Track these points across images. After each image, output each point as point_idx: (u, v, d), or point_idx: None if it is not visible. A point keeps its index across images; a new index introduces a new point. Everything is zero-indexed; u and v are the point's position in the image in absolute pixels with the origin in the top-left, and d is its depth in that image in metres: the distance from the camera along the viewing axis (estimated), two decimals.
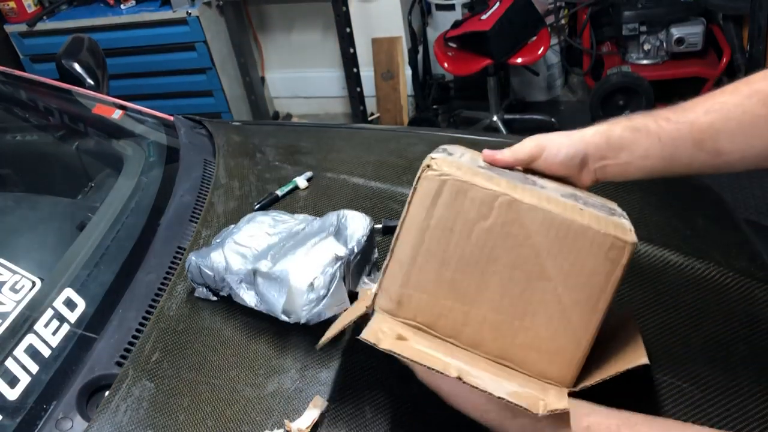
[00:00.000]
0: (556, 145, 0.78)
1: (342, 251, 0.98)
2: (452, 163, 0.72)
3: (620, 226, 0.71)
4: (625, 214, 0.77)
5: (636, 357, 0.72)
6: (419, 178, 0.72)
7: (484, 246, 0.71)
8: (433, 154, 0.75)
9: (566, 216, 0.69)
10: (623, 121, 0.77)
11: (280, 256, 0.98)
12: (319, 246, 0.99)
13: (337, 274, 0.94)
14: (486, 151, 0.80)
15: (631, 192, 1.25)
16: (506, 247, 0.70)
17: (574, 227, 0.69)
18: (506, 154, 0.79)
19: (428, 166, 0.71)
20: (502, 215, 0.70)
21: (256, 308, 0.98)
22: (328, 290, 0.93)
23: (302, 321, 0.93)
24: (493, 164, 0.79)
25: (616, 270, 0.69)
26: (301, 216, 1.12)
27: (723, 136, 0.74)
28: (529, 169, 0.80)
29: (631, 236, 0.69)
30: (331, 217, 1.07)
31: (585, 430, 0.66)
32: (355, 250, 1.00)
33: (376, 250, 1.09)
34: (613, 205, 0.79)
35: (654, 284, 1.00)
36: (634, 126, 0.76)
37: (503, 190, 0.70)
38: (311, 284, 0.93)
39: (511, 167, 0.79)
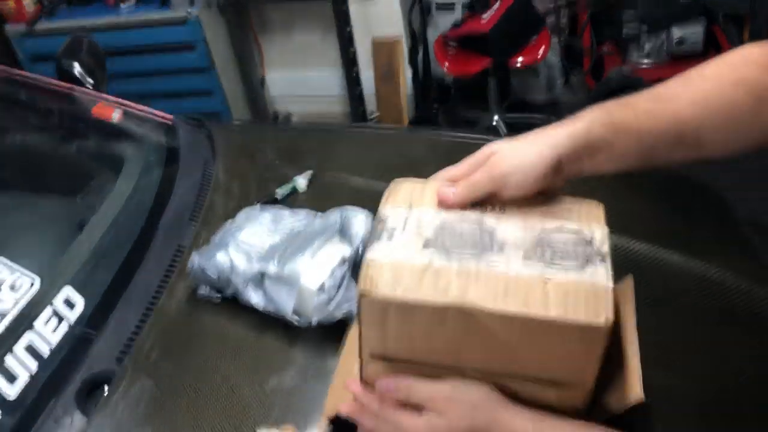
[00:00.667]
0: (521, 164, 0.67)
1: (348, 251, 0.99)
2: (390, 271, 0.64)
3: (593, 296, 0.61)
4: (605, 242, 0.67)
5: (628, 393, 0.64)
6: (359, 301, 0.65)
7: (450, 345, 0.65)
8: (369, 248, 0.66)
9: (528, 313, 0.60)
10: (602, 117, 0.69)
11: (288, 257, 0.98)
12: (326, 246, 1.01)
13: (347, 274, 0.95)
14: (439, 193, 0.71)
15: (630, 191, 1.25)
16: (473, 343, 0.64)
17: (538, 323, 0.60)
18: (460, 196, 0.70)
19: (362, 292, 0.63)
20: (459, 323, 0.62)
21: (263, 310, 0.98)
22: (338, 291, 0.94)
23: (314, 323, 0.93)
24: (448, 208, 0.70)
25: (595, 349, 0.62)
26: (302, 212, 1.12)
27: (706, 129, 0.69)
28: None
29: (605, 314, 0.59)
30: (334, 215, 1.07)
31: None
32: (360, 249, 1.01)
33: None
34: (592, 229, 0.69)
35: (653, 284, 1.00)
36: (613, 123, 0.68)
37: (452, 298, 0.61)
38: (322, 286, 0.93)
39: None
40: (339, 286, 0.94)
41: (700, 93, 0.71)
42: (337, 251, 1.00)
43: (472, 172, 0.70)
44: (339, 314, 0.94)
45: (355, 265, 0.98)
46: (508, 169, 0.68)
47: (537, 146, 0.68)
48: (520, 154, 0.68)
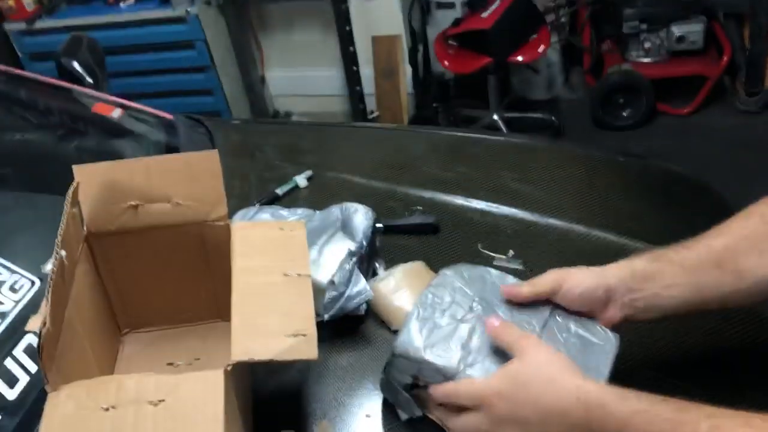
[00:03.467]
0: (576, 279, 0.78)
1: (353, 246, 0.99)
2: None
3: None
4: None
5: None
6: None
7: None
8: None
9: None
10: (644, 255, 0.78)
11: None
12: (331, 242, 1.01)
13: (355, 268, 0.96)
14: (505, 289, 0.81)
15: (630, 191, 1.25)
16: None
17: None
18: (525, 291, 0.80)
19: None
20: None
21: None
22: (348, 286, 0.94)
23: (326, 318, 0.93)
24: (512, 300, 0.80)
25: None
26: (300, 210, 1.12)
27: (740, 256, 0.75)
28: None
29: None
30: (335, 211, 1.07)
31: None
32: (364, 244, 1.01)
33: (378, 240, 1.10)
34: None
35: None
36: (654, 257, 0.77)
37: None
38: (332, 281, 0.93)
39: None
40: (348, 281, 0.95)
41: (725, 227, 0.78)
42: (342, 246, 1.00)
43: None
44: (350, 308, 0.95)
45: (360, 259, 0.99)
46: (565, 276, 0.79)
47: (591, 271, 0.79)
48: (576, 270, 0.79)
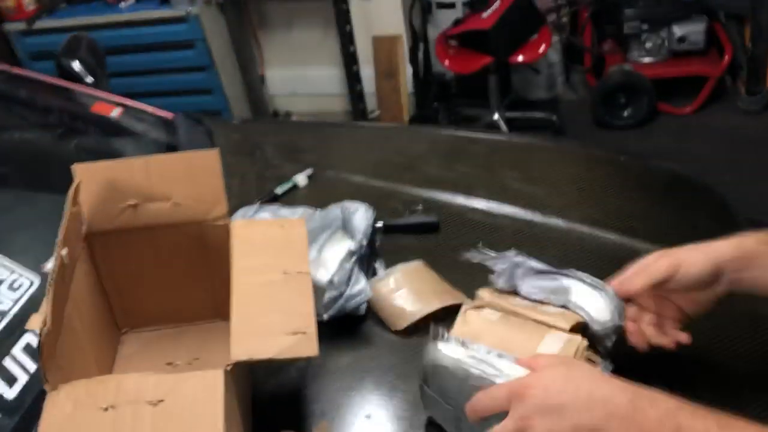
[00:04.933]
0: (691, 261, 0.77)
1: (353, 245, 0.99)
2: None
3: None
4: None
5: None
6: None
7: None
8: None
9: None
10: (754, 235, 0.78)
11: None
12: (331, 241, 1.01)
13: (354, 268, 0.95)
14: (617, 288, 0.79)
15: (630, 191, 1.24)
16: None
17: None
18: (639, 284, 0.78)
19: None
20: None
21: None
22: (348, 285, 0.94)
23: (325, 318, 0.93)
24: (626, 295, 0.79)
25: None
26: (300, 210, 1.12)
27: None
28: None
29: None
30: (334, 210, 1.07)
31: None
32: (364, 243, 1.01)
33: (378, 239, 1.10)
34: None
35: None
36: (764, 239, 0.77)
37: None
38: (331, 281, 0.93)
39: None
40: (348, 280, 0.94)
41: None
42: (342, 245, 1.00)
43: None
44: (350, 308, 0.95)
45: (360, 259, 0.98)
46: (681, 259, 0.77)
47: (704, 252, 0.77)
48: (688, 252, 0.78)
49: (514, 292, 0.85)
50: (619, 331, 0.79)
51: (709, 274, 0.76)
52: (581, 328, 0.78)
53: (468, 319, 0.83)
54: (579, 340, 0.77)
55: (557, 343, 0.77)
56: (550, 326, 0.78)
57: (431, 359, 0.76)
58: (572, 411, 0.63)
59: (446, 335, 0.77)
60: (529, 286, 0.83)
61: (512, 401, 0.66)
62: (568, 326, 0.78)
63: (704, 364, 0.88)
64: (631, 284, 0.78)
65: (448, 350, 0.75)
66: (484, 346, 0.75)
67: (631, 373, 0.74)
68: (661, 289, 0.78)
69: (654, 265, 0.77)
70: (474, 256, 0.89)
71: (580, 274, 0.82)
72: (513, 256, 0.86)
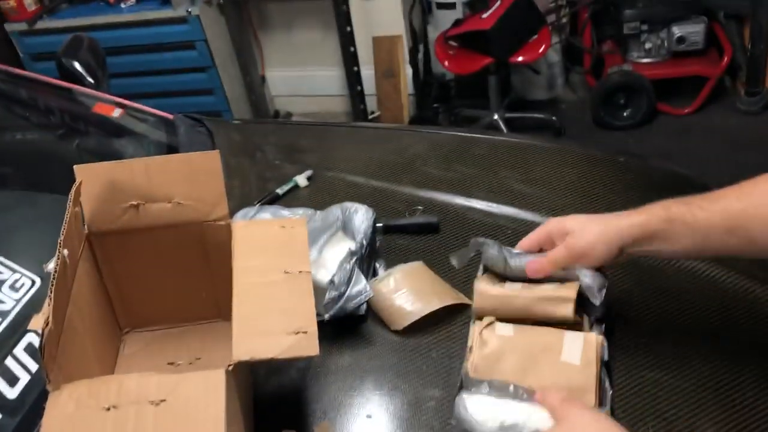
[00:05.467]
0: (593, 252, 0.83)
1: (353, 245, 1.00)
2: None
3: None
4: None
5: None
6: None
7: None
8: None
9: None
10: (660, 213, 0.80)
11: None
12: (332, 242, 1.02)
13: (355, 268, 0.95)
14: (529, 267, 0.87)
15: (630, 191, 1.25)
16: None
17: None
18: (547, 271, 0.86)
19: None
20: None
21: None
22: (348, 286, 0.94)
23: (326, 318, 0.93)
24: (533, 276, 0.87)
25: None
26: (300, 210, 1.12)
27: (756, 224, 0.75)
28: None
29: None
30: (335, 211, 1.08)
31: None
32: (364, 243, 1.02)
33: (379, 239, 1.10)
34: None
35: (654, 284, 1.00)
36: (669, 218, 0.79)
37: None
38: (332, 281, 0.93)
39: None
40: (349, 280, 0.95)
41: (748, 189, 0.77)
42: (343, 245, 1.01)
43: (542, 243, 0.89)
44: (350, 308, 0.95)
45: (360, 259, 0.99)
46: (583, 250, 0.83)
47: (605, 234, 0.82)
48: (592, 239, 0.83)
49: (504, 277, 0.90)
50: (605, 285, 0.86)
51: (609, 253, 0.82)
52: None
53: (485, 340, 0.85)
54: (595, 337, 0.82)
55: (577, 344, 0.82)
56: (558, 300, 0.85)
57: (462, 419, 0.80)
58: None
59: (473, 384, 0.82)
60: (516, 260, 0.89)
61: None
62: (573, 293, 0.84)
63: (705, 364, 0.88)
64: (542, 269, 0.87)
65: (476, 408, 0.80)
66: (511, 391, 0.80)
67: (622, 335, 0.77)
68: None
69: (557, 256, 0.85)
70: (459, 260, 0.94)
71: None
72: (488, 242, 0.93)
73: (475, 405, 0.80)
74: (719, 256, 0.82)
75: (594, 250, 0.82)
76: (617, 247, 0.81)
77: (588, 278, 0.84)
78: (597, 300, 0.84)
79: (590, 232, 0.83)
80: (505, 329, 0.86)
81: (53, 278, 0.67)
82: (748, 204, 0.75)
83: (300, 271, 0.77)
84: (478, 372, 0.83)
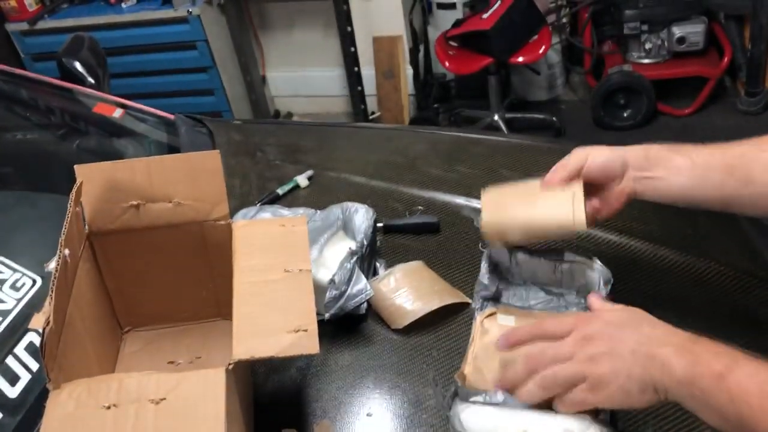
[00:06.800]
0: (598, 152, 0.86)
1: (354, 245, 1.00)
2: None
3: None
4: None
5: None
6: None
7: None
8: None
9: None
10: (663, 145, 0.84)
11: None
12: (332, 241, 1.02)
13: (355, 268, 0.96)
14: (548, 177, 0.89)
15: None
16: None
17: None
18: (559, 175, 0.88)
19: None
20: None
21: None
22: (349, 285, 0.95)
23: (326, 318, 0.93)
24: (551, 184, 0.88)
25: None
26: (301, 210, 1.13)
27: (755, 165, 0.78)
28: None
29: None
30: (336, 211, 1.08)
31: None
32: (365, 243, 1.02)
33: (379, 239, 1.11)
34: None
35: (654, 283, 1.00)
36: (671, 147, 0.83)
37: None
38: (332, 280, 0.93)
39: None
40: (349, 280, 0.95)
41: (751, 140, 0.80)
42: (343, 245, 1.01)
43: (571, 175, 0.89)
44: (350, 307, 0.95)
45: (361, 258, 0.99)
46: (589, 150, 0.87)
47: (615, 151, 0.86)
48: (598, 147, 0.87)
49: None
50: (611, 281, 0.90)
51: (613, 164, 0.85)
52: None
53: (486, 329, 0.85)
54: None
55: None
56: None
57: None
58: (631, 338, 0.68)
59: (468, 395, 0.80)
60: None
61: (577, 325, 0.71)
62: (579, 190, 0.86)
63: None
64: (554, 177, 0.87)
65: (471, 420, 0.78)
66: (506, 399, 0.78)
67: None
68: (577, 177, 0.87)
69: (567, 158, 0.88)
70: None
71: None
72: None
73: (470, 417, 0.78)
74: (713, 207, 0.83)
75: (600, 155, 0.86)
76: (620, 160, 0.84)
77: (594, 272, 0.86)
78: (602, 294, 0.85)
79: (602, 147, 0.87)
80: (506, 319, 0.86)
81: (54, 277, 0.68)
82: (749, 149, 0.79)
83: (300, 269, 0.77)
84: (479, 360, 0.83)
